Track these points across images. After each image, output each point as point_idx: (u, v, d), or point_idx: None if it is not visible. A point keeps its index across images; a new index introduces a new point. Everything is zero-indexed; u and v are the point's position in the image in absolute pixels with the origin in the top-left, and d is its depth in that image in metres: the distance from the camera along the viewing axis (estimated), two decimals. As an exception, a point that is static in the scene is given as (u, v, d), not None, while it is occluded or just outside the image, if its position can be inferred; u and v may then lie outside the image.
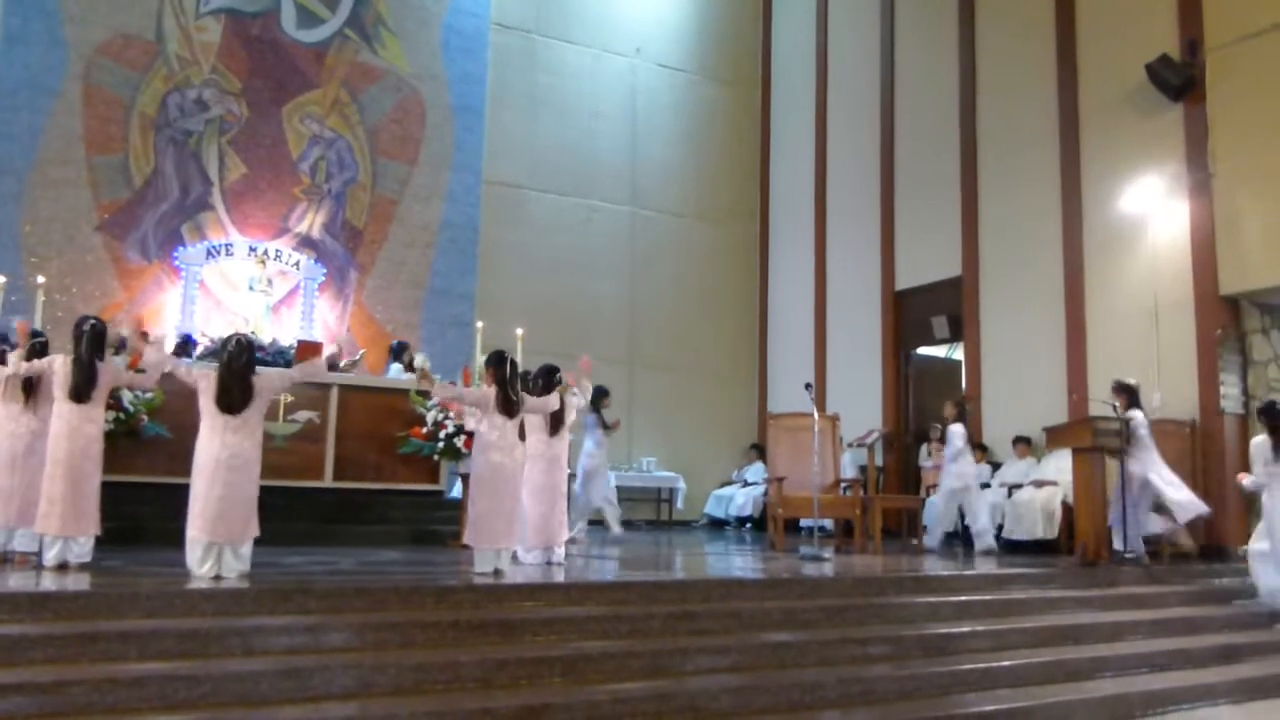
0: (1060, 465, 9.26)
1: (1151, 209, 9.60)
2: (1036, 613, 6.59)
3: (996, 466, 10.51)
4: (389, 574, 5.98)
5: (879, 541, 9.07)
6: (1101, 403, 8.61)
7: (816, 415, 8.78)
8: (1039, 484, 9.54)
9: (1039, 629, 6.28)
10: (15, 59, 10.74)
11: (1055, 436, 8.73)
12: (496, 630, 5.02)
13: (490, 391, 6.37)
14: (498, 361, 6.44)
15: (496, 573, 6.05)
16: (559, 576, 6.26)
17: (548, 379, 7.02)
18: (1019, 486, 9.77)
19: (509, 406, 6.33)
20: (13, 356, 6.06)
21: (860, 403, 12.43)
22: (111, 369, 6.04)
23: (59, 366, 5.86)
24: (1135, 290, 9.73)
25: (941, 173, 11.95)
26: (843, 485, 9.80)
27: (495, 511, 6.17)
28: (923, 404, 12.30)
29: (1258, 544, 7.38)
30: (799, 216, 14.46)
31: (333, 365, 9.06)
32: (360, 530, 8.29)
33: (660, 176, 14.57)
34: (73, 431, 5.72)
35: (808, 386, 9.13)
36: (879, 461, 11.83)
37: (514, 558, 6.72)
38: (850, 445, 11.51)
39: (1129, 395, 8.45)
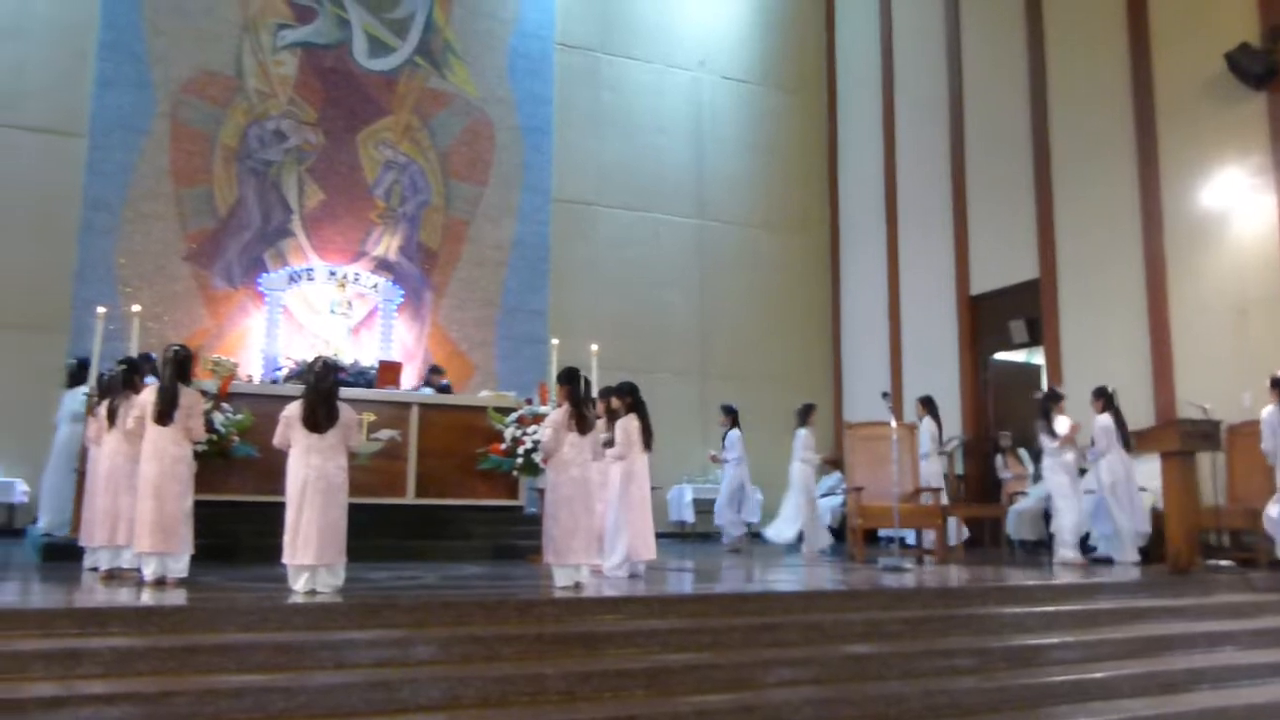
0: (1147, 470, 9.00)
1: (1235, 202, 9.32)
2: (1127, 623, 6.42)
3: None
4: (472, 588, 6.10)
5: (961, 551, 8.93)
6: (1189, 404, 8.37)
7: (894, 424, 8.70)
8: (1126, 490, 9.27)
9: (1130, 640, 6.12)
10: (108, 101, 11.24)
11: (1143, 440, 8.50)
12: (579, 643, 5.08)
13: (562, 412, 6.44)
14: (569, 379, 6.54)
15: (576, 586, 6.12)
16: (637, 589, 6.30)
17: (635, 395, 7.11)
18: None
19: (583, 423, 6.40)
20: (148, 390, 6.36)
21: (939, 410, 12.23)
22: (194, 394, 6.30)
23: (146, 394, 6.19)
24: (1221, 287, 9.44)
25: (1014, 174, 11.75)
26: (923, 494, 9.67)
27: (574, 527, 6.25)
28: (1003, 409, 12.06)
29: (1273, 508, 7.75)
30: (869, 222, 14.34)
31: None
32: (442, 545, 8.44)
33: (727, 188, 14.59)
34: (159, 453, 6.00)
35: (884, 395, 9.06)
36: (959, 469, 11.63)
37: (597, 571, 6.80)
38: (930, 454, 11.34)
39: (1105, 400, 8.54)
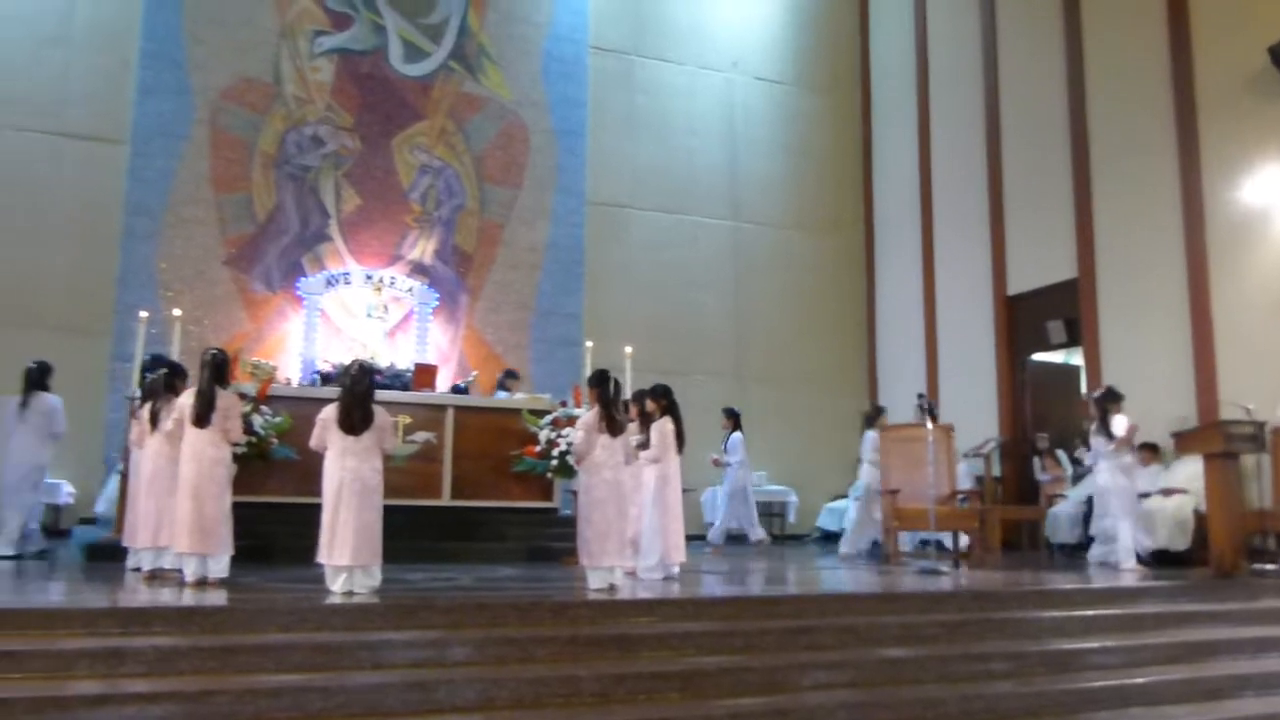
0: (1189, 472, 8.86)
1: (1279, 199, 9.13)
2: (1170, 627, 6.32)
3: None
4: (507, 590, 6.12)
5: (998, 554, 8.83)
6: (1233, 405, 8.22)
7: (930, 425, 8.63)
8: (1168, 492, 9.10)
9: (1173, 645, 6.02)
10: (149, 109, 11.44)
11: (1185, 442, 8.37)
12: (613, 645, 5.09)
13: (593, 414, 6.46)
14: (600, 382, 6.55)
15: (611, 589, 6.14)
16: (671, 591, 6.30)
17: (669, 398, 7.14)
18: (1146, 495, 9.36)
19: (614, 425, 6.42)
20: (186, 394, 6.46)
21: (975, 412, 12.12)
22: (231, 396, 6.39)
23: (184, 397, 6.31)
24: (1265, 284, 9.26)
25: (1052, 172, 11.61)
26: (959, 497, 9.58)
27: (607, 530, 6.26)
28: (1040, 411, 11.92)
29: None
30: (904, 223, 14.24)
31: None
32: (477, 547, 8.49)
33: (761, 189, 14.55)
34: (196, 455, 6.11)
35: (920, 396, 8.99)
36: (996, 472, 11.52)
37: (631, 573, 6.81)
38: (966, 456, 11.25)
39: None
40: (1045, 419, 11.71)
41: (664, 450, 7.03)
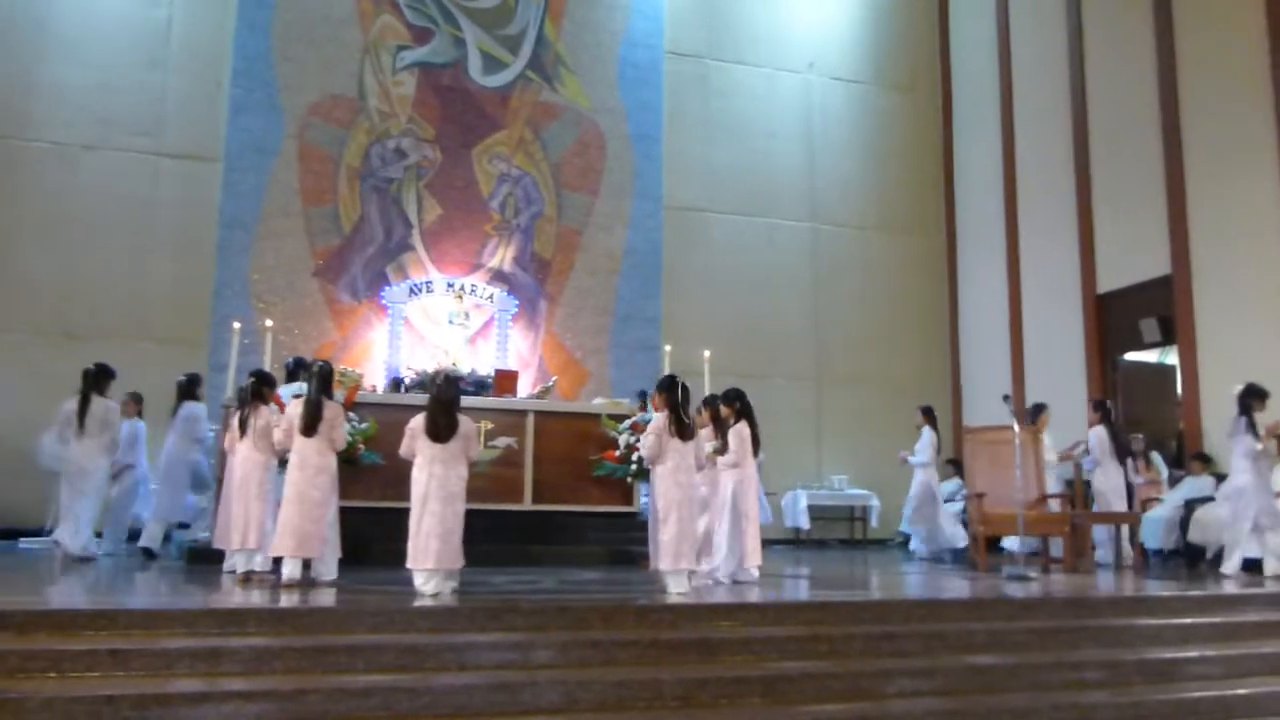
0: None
1: (1393, 190, 8.70)
2: (1274, 637, 6.05)
3: (1221, 478, 9.71)
4: (589, 593, 6.17)
5: (1090, 560, 8.58)
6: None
7: (1017, 427, 8.43)
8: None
9: (1278, 655, 5.78)
10: (241, 125, 11.87)
11: (1289, 443, 8.01)
12: (695, 650, 5.09)
13: (662, 418, 6.47)
14: (668, 387, 6.54)
15: (688, 592, 6.14)
16: (752, 595, 6.28)
17: (743, 401, 7.15)
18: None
19: (683, 430, 6.41)
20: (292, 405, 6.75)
21: (1064, 413, 11.77)
22: (336, 406, 6.68)
23: (293, 407, 6.60)
24: (1378, 280, 8.83)
25: (1142, 166, 11.24)
26: (1049, 501, 9.33)
27: (680, 533, 6.26)
28: (1134, 412, 11.53)
29: None
30: (987, 221, 13.93)
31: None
32: (558, 551, 8.57)
33: (839, 190, 14.40)
34: (303, 462, 6.40)
35: (1006, 398, 8.78)
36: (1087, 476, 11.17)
37: (705, 576, 6.82)
38: (1056, 459, 10.93)
39: None
40: (1139, 420, 11.33)
41: (742, 455, 7.03)
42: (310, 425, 6.40)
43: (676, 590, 6.14)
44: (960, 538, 10.44)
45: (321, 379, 6.54)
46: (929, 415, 10.57)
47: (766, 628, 5.46)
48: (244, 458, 6.78)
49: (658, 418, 6.55)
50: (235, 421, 6.94)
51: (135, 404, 9.22)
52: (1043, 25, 13.09)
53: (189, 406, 8.86)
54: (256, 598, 5.67)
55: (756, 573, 7.03)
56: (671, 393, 6.47)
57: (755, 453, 7.15)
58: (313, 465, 6.38)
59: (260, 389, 6.96)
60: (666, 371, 9.79)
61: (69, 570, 7.28)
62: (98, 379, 8.31)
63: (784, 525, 12.54)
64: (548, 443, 9.00)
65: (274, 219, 11.86)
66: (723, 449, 7.03)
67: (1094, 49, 12.25)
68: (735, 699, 4.72)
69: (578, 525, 8.96)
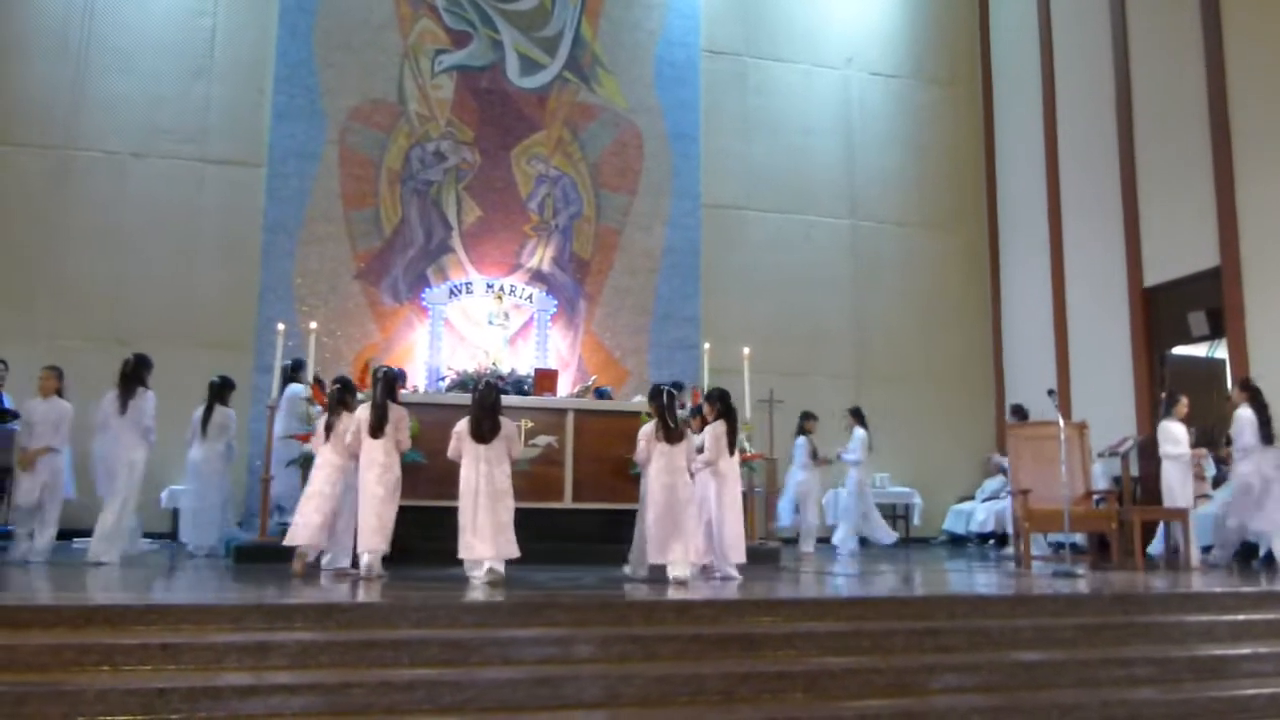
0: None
1: None
2: (1332, 634, 5.92)
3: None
4: (629, 589, 6.19)
5: (1140, 557, 8.44)
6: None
7: (1062, 423, 8.31)
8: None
9: (1336, 652, 5.65)
10: (284, 131, 12.05)
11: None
12: (737, 645, 5.09)
13: (651, 424, 7.01)
14: (654, 396, 7.13)
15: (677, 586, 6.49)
16: (787, 592, 6.28)
17: (725, 402, 7.49)
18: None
19: (669, 434, 6.92)
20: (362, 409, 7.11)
21: (1110, 409, 11.60)
22: (400, 409, 7.05)
23: (361, 410, 7.01)
24: None
25: (1190, 156, 11.02)
26: (1095, 497, 9.19)
27: (668, 531, 6.71)
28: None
29: None
30: (1030, 215, 13.74)
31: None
32: (598, 549, 8.58)
33: (879, 186, 14.28)
34: (371, 463, 6.84)
35: (1050, 393, 8.68)
36: (1134, 471, 10.99)
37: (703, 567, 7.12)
38: (1101, 455, 10.77)
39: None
40: (1188, 415, 11.10)
41: (717, 453, 7.33)
42: (377, 427, 6.83)
43: (673, 576, 6.58)
44: (888, 535, 11.38)
45: (386, 383, 6.96)
46: (858, 416, 11.19)
47: (808, 623, 5.45)
48: (324, 460, 7.11)
49: (648, 423, 7.07)
50: (321, 425, 7.28)
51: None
52: (1085, 13, 12.89)
53: (222, 412, 9.12)
54: (303, 593, 5.76)
55: (735, 571, 7.16)
56: (658, 400, 7.03)
57: (732, 451, 7.40)
58: (379, 465, 6.81)
59: (344, 396, 7.28)
60: (706, 370, 9.89)
61: (185, 567, 7.66)
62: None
63: (825, 524, 12.46)
64: (587, 441, 9.02)
65: (316, 223, 12.02)
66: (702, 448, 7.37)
67: (1138, 36, 12.04)
68: (778, 694, 4.72)
69: (617, 523, 8.95)
